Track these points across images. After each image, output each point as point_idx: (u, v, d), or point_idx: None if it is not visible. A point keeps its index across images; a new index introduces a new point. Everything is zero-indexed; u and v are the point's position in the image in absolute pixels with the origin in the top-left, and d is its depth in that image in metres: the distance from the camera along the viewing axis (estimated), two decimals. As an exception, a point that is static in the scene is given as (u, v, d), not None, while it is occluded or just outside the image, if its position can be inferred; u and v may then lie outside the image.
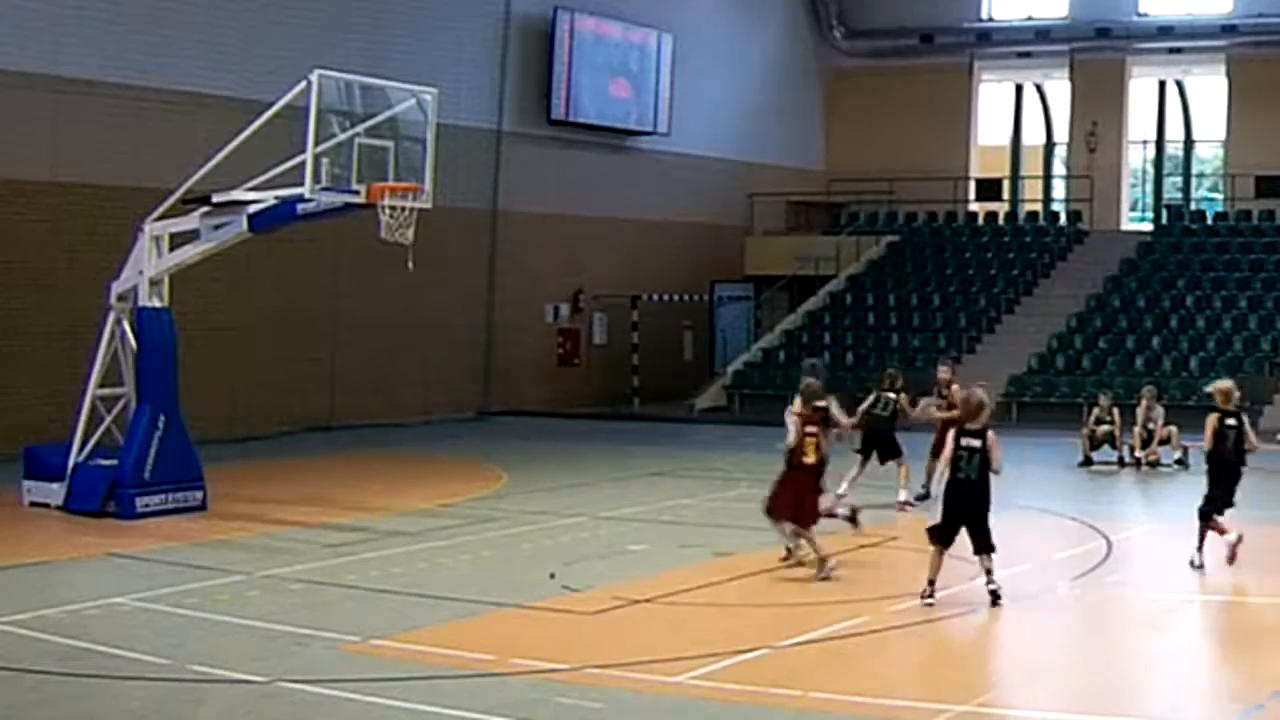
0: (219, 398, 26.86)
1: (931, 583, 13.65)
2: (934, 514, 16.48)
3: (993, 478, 13.66)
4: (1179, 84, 42.05)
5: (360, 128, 18.55)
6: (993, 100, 43.74)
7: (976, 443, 13.60)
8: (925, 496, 19.76)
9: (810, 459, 15.30)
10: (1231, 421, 15.56)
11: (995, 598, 13.56)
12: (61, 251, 25.68)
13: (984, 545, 13.64)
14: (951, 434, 13.90)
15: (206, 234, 19.56)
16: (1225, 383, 15.84)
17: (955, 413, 19.84)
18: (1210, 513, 15.54)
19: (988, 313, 36.87)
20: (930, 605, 13.50)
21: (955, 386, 21.02)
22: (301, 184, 18.03)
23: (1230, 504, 15.65)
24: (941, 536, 13.78)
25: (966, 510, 13.65)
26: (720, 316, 40.58)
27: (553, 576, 14.95)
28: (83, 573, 15.44)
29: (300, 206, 18.63)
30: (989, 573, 13.63)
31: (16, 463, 20.31)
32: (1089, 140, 40.98)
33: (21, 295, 25.44)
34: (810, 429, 15.34)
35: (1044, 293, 37.48)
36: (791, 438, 15.34)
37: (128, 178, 25.60)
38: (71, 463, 19.39)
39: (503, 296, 34.63)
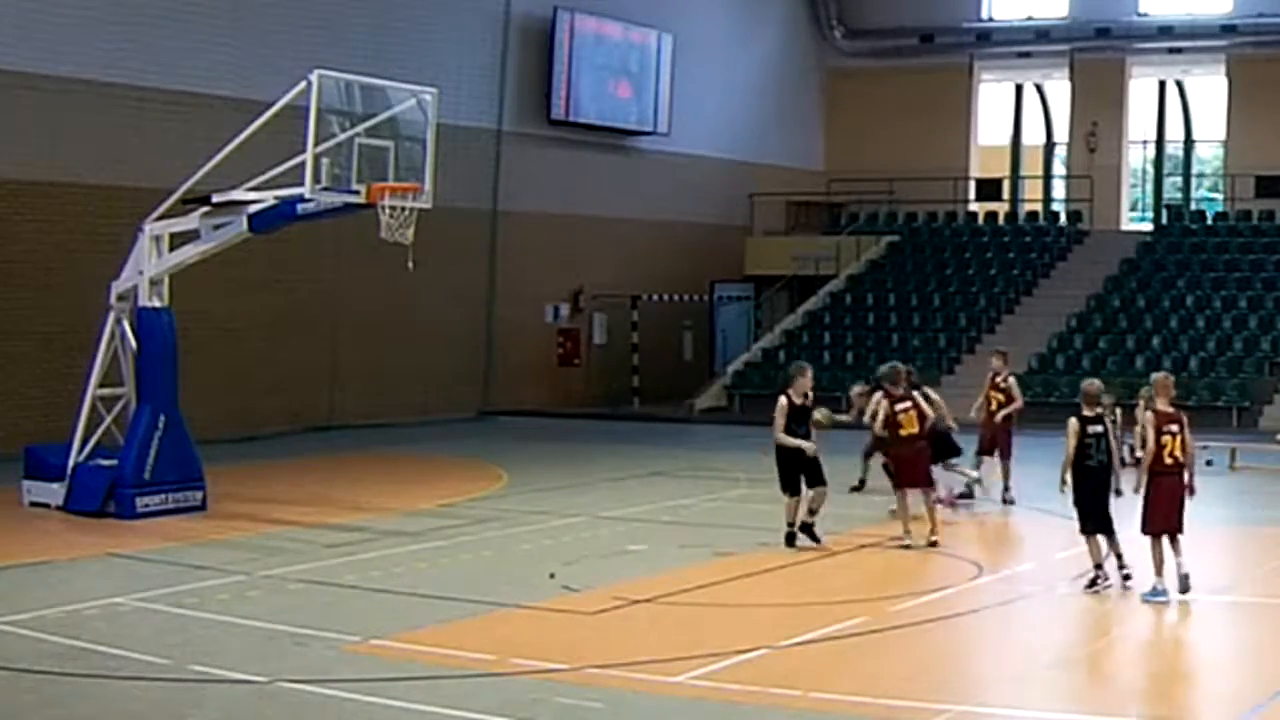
0: (219, 398, 26.85)
1: (1099, 566, 14.35)
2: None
3: None
4: (1179, 84, 42.04)
5: (360, 128, 18.54)
6: (993, 100, 43.73)
7: (1100, 428, 14.45)
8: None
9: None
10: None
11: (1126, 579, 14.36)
12: (61, 251, 25.68)
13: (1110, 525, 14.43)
14: (1075, 423, 14.47)
15: (206, 234, 19.56)
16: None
17: (1016, 406, 20.40)
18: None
19: (988, 313, 36.87)
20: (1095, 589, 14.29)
21: (1012, 380, 21.19)
22: (301, 184, 18.03)
23: None
24: (1103, 526, 14.40)
25: (1104, 494, 14.47)
26: (720, 316, 40.57)
27: (553, 576, 14.95)
28: (83, 573, 15.43)
29: (300, 206, 18.63)
30: (1120, 556, 14.41)
31: (16, 463, 20.32)
32: (1089, 140, 40.98)
33: (21, 295, 25.44)
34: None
35: (1044, 293, 37.49)
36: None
37: (128, 178, 25.60)
38: (71, 463, 19.39)
39: (503, 296, 34.63)
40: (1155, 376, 14.43)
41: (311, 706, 10.51)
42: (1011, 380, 21.21)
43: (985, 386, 21.26)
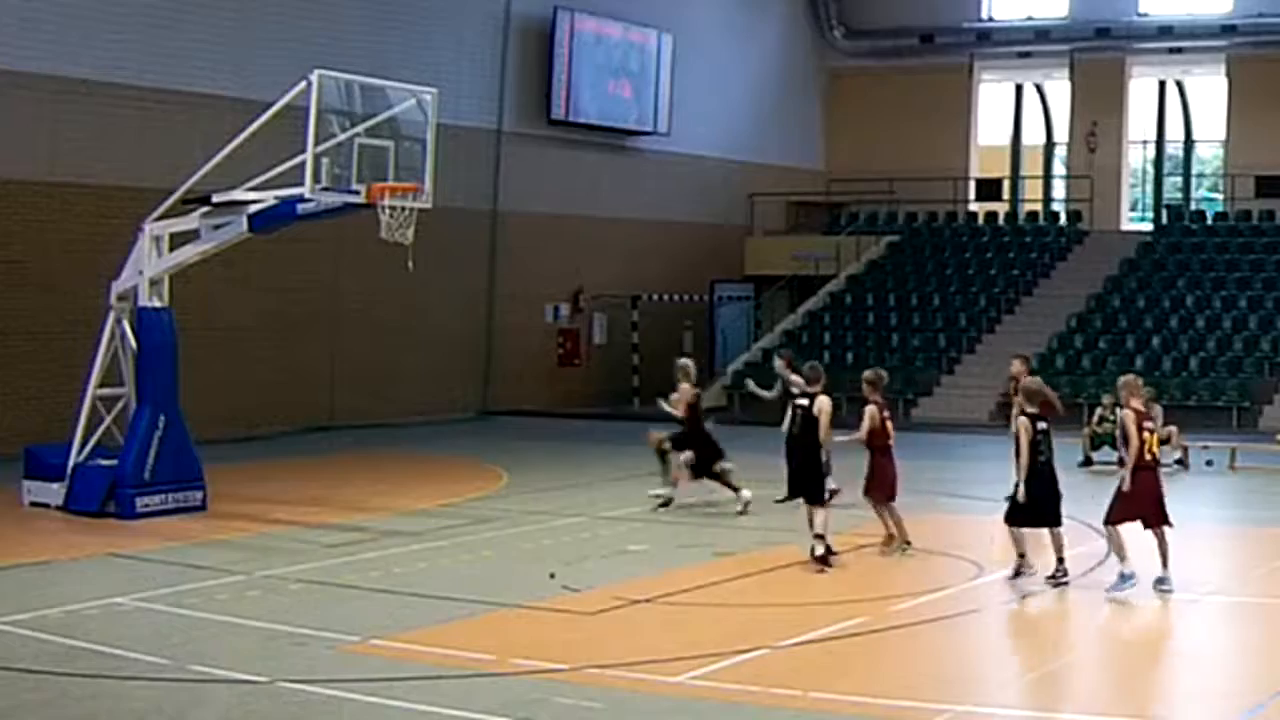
0: (219, 398, 26.84)
1: (1023, 556, 14.81)
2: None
3: None
4: (1179, 84, 42.02)
5: (360, 128, 18.54)
6: (993, 100, 43.71)
7: (1045, 424, 14.97)
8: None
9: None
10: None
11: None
12: (61, 251, 25.68)
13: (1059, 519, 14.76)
14: (1026, 421, 14.88)
15: (206, 234, 19.56)
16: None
17: (1058, 407, 20.52)
18: None
19: (988, 313, 36.86)
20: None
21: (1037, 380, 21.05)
22: (301, 184, 18.03)
23: None
24: (1055, 519, 14.70)
25: (1054, 487, 14.80)
26: (720, 316, 40.57)
27: (553, 576, 14.95)
28: (83, 573, 15.43)
29: (300, 206, 18.64)
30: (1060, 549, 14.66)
31: (16, 463, 20.31)
32: (1089, 140, 40.97)
33: (21, 295, 25.44)
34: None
35: (1044, 293, 37.48)
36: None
37: (128, 178, 25.60)
38: (71, 463, 19.39)
39: (503, 296, 34.63)
40: (1125, 379, 14.82)
41: (311, 706, 10.51)
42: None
43: (1010, 392, 21.16)
